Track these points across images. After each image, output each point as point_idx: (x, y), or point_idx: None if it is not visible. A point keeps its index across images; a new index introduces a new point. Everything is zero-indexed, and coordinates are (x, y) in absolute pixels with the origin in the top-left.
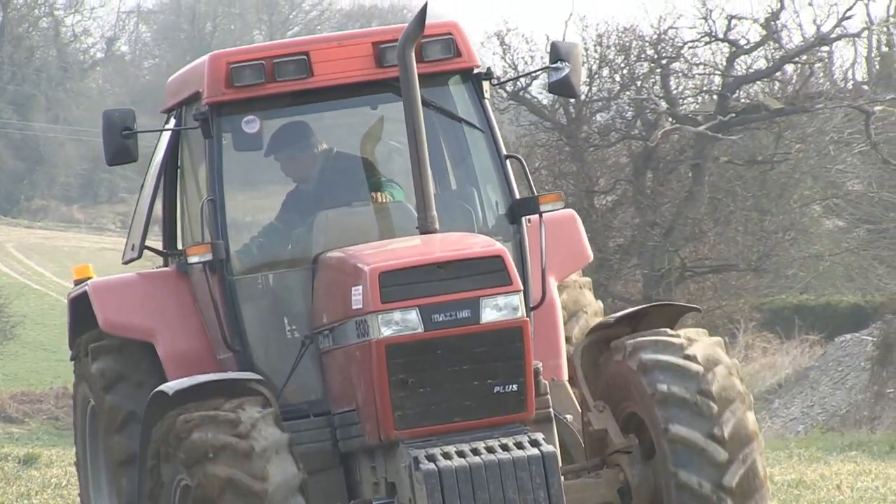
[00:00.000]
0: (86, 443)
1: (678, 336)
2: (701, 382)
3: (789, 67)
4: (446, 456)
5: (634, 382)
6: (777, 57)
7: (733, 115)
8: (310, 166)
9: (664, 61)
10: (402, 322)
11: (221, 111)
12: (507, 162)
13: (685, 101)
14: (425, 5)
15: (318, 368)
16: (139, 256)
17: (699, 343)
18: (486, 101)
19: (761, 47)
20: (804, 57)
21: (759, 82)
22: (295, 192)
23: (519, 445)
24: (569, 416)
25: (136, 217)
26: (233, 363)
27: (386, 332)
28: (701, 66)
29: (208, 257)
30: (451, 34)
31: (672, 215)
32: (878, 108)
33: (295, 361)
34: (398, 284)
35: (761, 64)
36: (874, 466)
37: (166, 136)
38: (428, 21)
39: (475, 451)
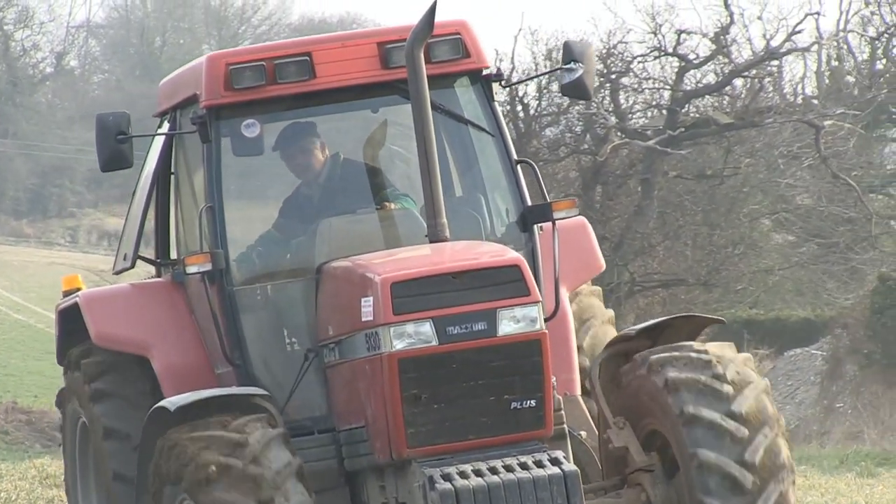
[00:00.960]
0: (75, 459)
1: (706, 352)
2: (730, 404)
3: (739, 82)
4: (463, 475)
5: (659, 400)
6: (726, 71)
7: (683, 129)
8: (316, 169)
9: (613, 76)
10: (415, 335)
11: (220, 114)
12: (518, 167)
13: (634, 116)
14: (434, 3)
15: (322, 383)
16: (132, 266)
17: (729, 361)
18: (496, 104)
19: (711, 62)
20: (754, 71)
21: (708, 97)
22: (294, 199)
23: (539, 464)
24: (583, 433)
25: (127, 225)
26: (232, 377)
27: (398, 345)
28: (650, 81)
29: (207, 267)
30: (459, 34)
31: (621, 230)
32: (827, 122)
33: (298, 376)
34: (411, 295)
35: (711, 78)
36: (824, 481)
37: (159, 141)
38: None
39: (493, 470)
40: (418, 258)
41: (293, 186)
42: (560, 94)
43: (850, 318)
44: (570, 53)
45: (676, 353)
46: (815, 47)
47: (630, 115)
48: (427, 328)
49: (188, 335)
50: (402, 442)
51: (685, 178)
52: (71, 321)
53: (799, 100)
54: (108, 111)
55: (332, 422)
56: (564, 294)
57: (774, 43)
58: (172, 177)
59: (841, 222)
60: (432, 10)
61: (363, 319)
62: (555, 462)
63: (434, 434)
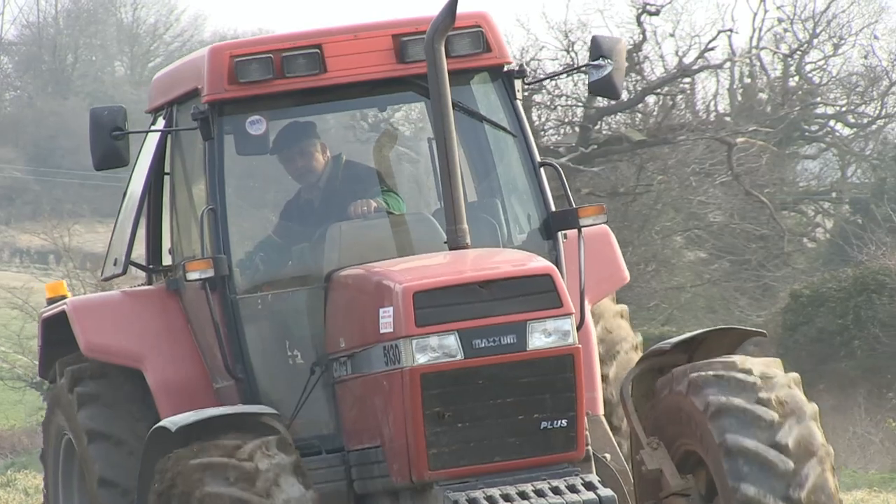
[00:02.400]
0: (58, 479)
1: (751, 372)
2: (776, 434)
3: (651, 99)
4: (490, 500)
5: (698, 423)
6: (639, 88)
7: (595, 146)
8: (317, 172)
9: (526, 93)
10: (439, 348)
11: (223, 110)
12: (542, 170)
13: (547, 133)
14: None
15: (329, 399)
16: (124, 273)
17: (776, 383)
18: (518, 102)
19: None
20: (666, 88)
21: (621, 114)
22: (296, 202)
23: (572, 488)
24: (607, 455)
25: (118, 229)
26: (233, 392)
27: (421, 359)
28: (563, 98)
29: (210, 273)
30: (479, 27)
31: None
32: (740, 139)
33: (305, 391)
34: (435, 306)
35: (623, 96)
36: None
37: (153, 138)
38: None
39: (522, 495)
40: (440, 266)
41: (294, 188)
42: None
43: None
44: (599, 49)
45: (721, 373)
46: (728, 64)
47: (543, 133)
48: (452, 341)
49: (184, 347)
50: (424, 463)
51: (598, 195)
52: (56, 331)
53: (711, 117)
54: (103, 105)
55: (341, 441)
56: (587, 307)
57: (687, 60)
58: (167, 177)
59: (753, 239)
60: (455, 0)
61: (381, 331)
62: (589, 486)
63: (458, 455)
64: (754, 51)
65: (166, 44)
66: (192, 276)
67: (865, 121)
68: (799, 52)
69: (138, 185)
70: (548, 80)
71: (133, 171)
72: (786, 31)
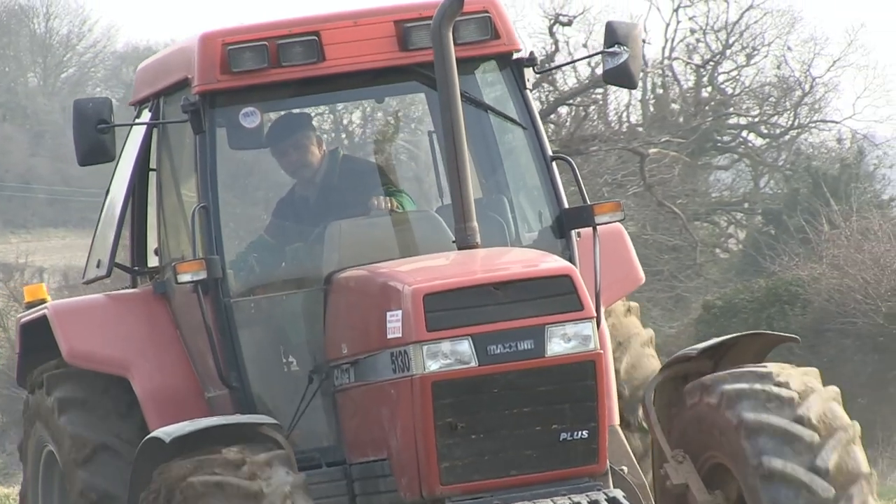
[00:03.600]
0: (38, 497)
1: (787, 385)
2: (816, 457)
3: (563, 109)
4: None
5: (731, 440)
6: (552, 99)
7: None
8: (313, 167)
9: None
10: (451, 354)
11: (215, 102)
12: (554, 164)
13: None
14: None
15: (329, 409)
16: (108, 275)
17: (814, 398)
18: (528, 92)
19: (535, 89)
20: (578, 99)
21: None
22: (290, 200)
23: None
24: (624, 468)
25: (101, 228)
26: (226, 402)
27: (432, 366)
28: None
29: (202, 275)
30: (487, 12)
31: None
32: (652, 150)
33: (303, 400)
34: (447, 309)
35: (535, 106)
36: None
37: (137, 132)
38: None
39: None
40: (451, 266)
41: (287, 185)
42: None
43: (674, 347)
44: (614, 35)
45: (757, 386)
46: (640, 75)
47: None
48: (465, 347)
49: (173, 353)
50: (435, 478)
51: None
52: (35, 336)
53: (624, 127)
54: (87, 97)
55: (343, 453)
56: (602, 311)
57: (600, 71)
58: (153, 173)
59: (666, 250)
60: None
61: (389, 337)
62: (613, 502)
63: (472, 469)
64: (667, 61)
65: (79, 55)
66: (184, 278)
67: (778, 131)
68: (712, 63)
69: (122, 181)
70: None
71: (116, 168)
72: (699, 41)
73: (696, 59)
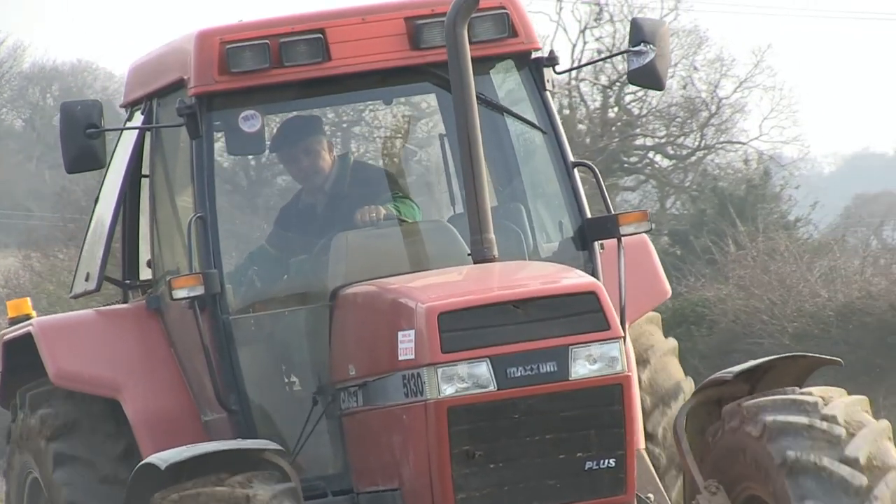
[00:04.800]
0: None
1: (835, 420)
2: (863, 501)
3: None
4: None
5: (772, 477)
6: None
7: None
8: (323, 173)
9: (345, 124)
10: (468, 378)
11: (213, 104)
12: (576, 171)
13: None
14: None
15: (335, 434)
16: (97, 289)
17: (864, 435)
18: (548, 94)
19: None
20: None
21: None
22: (295, 208)
23: None
24: (650, 496)
25: (89, 239)
26: (224, 426)
27: (448, 390)
28: (382, 130)
29: (199, 291)
30: (504, 8)
31: None
32: None
33: (307, 424)
34: (463, 329)
35: (441, 128)
36: None
37: (129, 137)
38: None
39: None
40: (467, 282)
41: (290, 192)
42: None
43: None
44: (640, 33)
45: (802, 420)
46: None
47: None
48: (483, 370)
49: (167, 373)
50: None
51: None
52: (18, 354)
53: None
54: (75, 100)
55: (350, 481)
56: (627, 328)
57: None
58: (145, 180)
59: None
60: None
61: (400, 358)
62: None
63: (490, 500)
64: (573, 82)
65: None
66: (179, 293)
67: (685, 152)
68: (618, 84)
69: (113, 189)
70: (367, 111)
71: (105, 175)
72: (605, 62)
73: (603, 80)
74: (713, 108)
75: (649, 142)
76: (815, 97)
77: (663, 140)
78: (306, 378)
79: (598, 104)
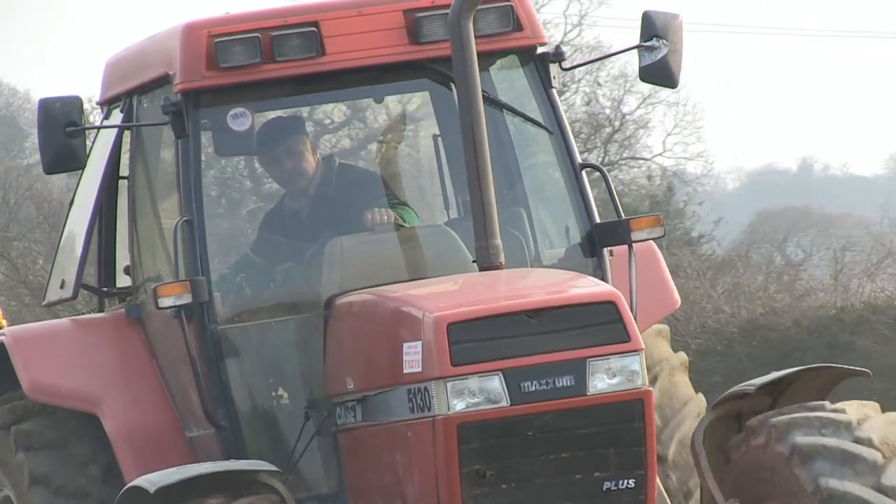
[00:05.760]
0: None
1: (870, 442)
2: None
3: (374, 146)
4: None
5: (798, 497)
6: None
7: None
8: (306, 175)
9: (334, 125)
10: (479, 392)
11: (200, 101)
12: (584, 173)
13: (268, 181)
14: None
15: (331, 451)
16: (74, 297)
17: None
18: (554, 91)
19: (346, 126)
20: (389, 136)
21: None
22: (279, 213)
23: None
24: None
25: (64, 243)
26: (212, 442)
27: (457, 405)
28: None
29: (187, 299)
30: (509, 1)
31: None
32: None
33: (300, 441)
34: (474, 340)
35: (346, 143)
36: None
37: (107, 136)
38: None
39: None
40: (475, 290)
41: (273, 195)
42: None
43: None
44: (652, 27)
45: (835, 444)
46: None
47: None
48: (496, 384)
49: (148, 387)
50: None
51: None
52: None
53: None
54: (54, 96)
55: (346, 502)
56: None
57: (411, 107)
58: (124, 182)
59: None
60: None
61: (405, 371)
62: None
63: None
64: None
65: None
66: (165, 302)
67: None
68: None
69: (90, 191)
70: None
71: (81, 177)
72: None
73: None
74: (616, 124)
75: (415, 177)
76: (719, 113)
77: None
78: (299, 392)
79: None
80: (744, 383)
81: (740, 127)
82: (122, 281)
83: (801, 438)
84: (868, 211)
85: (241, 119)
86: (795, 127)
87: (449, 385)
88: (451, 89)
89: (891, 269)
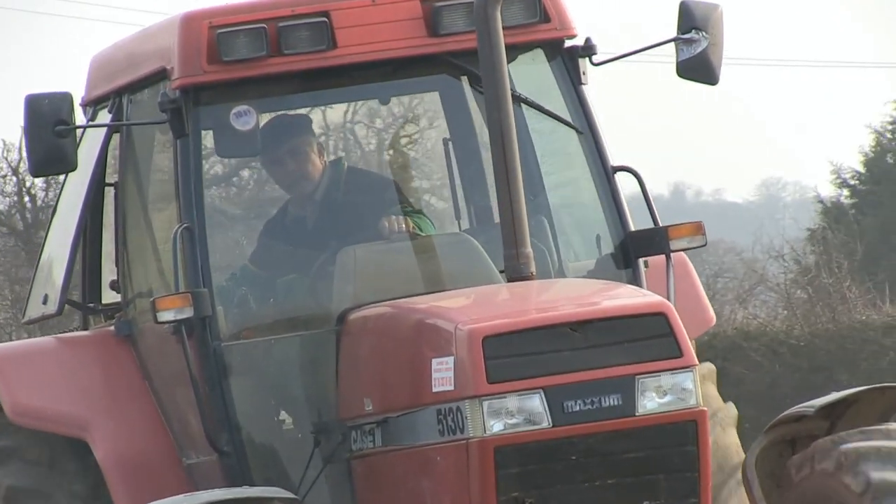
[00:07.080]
0: None
1: None
2: None
3: (246, 172)
4: None
5: None
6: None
7: None
8: (313, 179)
9: (347, 124)
10: (518, 412)
11: (200, 98)
12: (616, 177)
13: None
14: None
15: (344, 479)
16: (59, 312)
17: None
18: (584, 88)
19: (355, 126)
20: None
21: (215, 187)
22: (282, 221)
23: None
24: None
25: (47, 256)
26: (213, 469)
27: (495, 426)
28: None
29: (188, 313)
30: None
31: None
32: None
33: (310, 468)
34: (512, 355)
35: (219, 169)
36: None
37: (93, 139)
38: None
39: None
40: (510, 301)
41: (274, 201)
42: None
43: None
44: (691, 19)
45: None
46: (323, 139)
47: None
48: (536, 403)
49: (141, 409)
50: None
51: None
52: None
53: None
54: (43, 92)
55: None
56: None
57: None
58: (110, 188)
59: None
60: None
61: (435, 390)
62: None
63: None
64: (348, 125)
65: None
66: (165, 316)
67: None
68: (394, 127)
69: (75, 198)
70: None
71: (65, 183)
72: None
73: (379, 123)
74: None
75: (426, 184)
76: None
77: (439, 183)
78: (308, 414)
79: (372, 147)
80: (801, 405)
81: (613, 152)
82: (108, 297)
83: (877, 474)
84: (740, 238)
85: (245, 117)
86: (667, 152)
87: (485, 404)
88: (465, 88)
89: (763, 296)
